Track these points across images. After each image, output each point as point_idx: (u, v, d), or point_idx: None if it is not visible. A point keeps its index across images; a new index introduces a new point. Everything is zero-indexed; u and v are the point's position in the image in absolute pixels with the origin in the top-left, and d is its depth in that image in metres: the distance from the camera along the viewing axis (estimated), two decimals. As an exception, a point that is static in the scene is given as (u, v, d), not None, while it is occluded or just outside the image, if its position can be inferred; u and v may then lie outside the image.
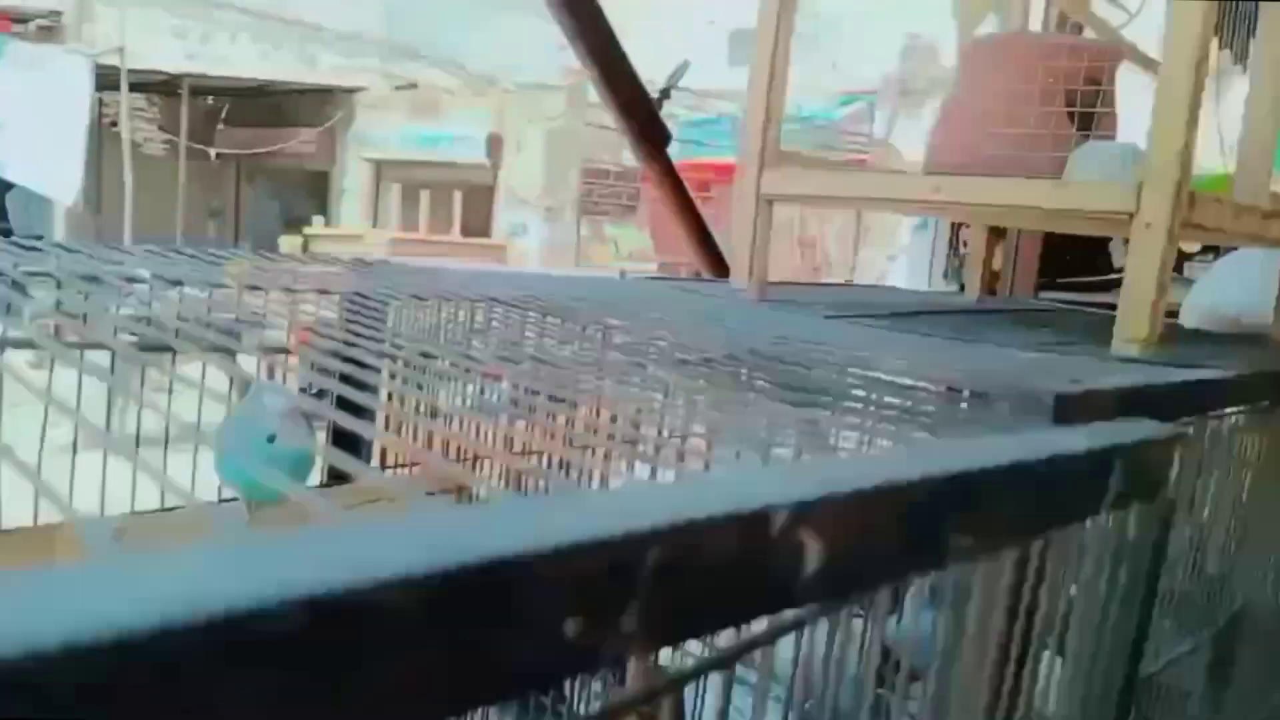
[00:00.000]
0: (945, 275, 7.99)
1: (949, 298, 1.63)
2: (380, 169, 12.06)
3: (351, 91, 11.67)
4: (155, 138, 10.27)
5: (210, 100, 11.21)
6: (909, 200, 0.83)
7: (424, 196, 11.53)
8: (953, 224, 8.74)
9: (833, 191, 0.87)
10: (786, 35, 0.78)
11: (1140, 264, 0.62)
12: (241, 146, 11.19)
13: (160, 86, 10.11)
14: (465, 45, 12.92)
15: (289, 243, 5.34)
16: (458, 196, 11.60)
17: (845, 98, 9.13)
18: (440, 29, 13.05)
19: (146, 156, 9.87)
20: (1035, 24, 1.18)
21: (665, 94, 2.20)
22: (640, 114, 1.91)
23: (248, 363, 0.79)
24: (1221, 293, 1.17)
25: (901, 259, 7.53)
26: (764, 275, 0.88)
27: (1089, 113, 0.85)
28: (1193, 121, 0.58)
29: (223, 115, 11.36)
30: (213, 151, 10.96)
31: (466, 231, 11.87)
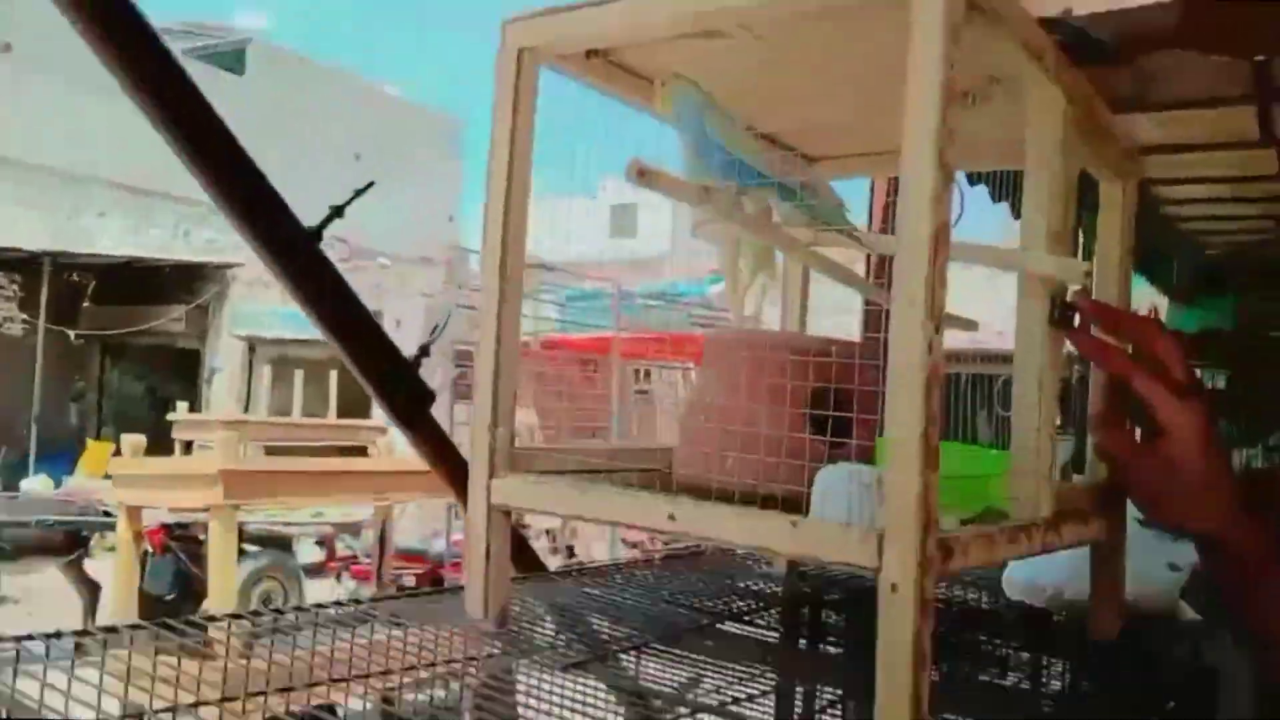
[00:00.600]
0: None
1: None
2: (254, 347, 12.14)
3: (225, 267, 11.86)
4: (15, 317, 10.17)
5: (75, 277, 11.20)
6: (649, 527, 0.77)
7: (298, 376, 11.64)
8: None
9: (572, 510, 0.80)
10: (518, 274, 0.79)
11: (887, 632, 0.54)
12: (108, 325, 11.17)
13: (21, 264, 10.12)
14: (349, 216, 13.38)
15: (132, 445, 5.33)
16: (333, 376, 11.77)
17: (713, 276, 9.92)
18: (318, 200, 13.49)
19: (5, 337, 9.76)
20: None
21: (425, 351, 2.10)
22: (397, 383, 1.86)
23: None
24: (1043, 564, 1.04)
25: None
26: (501, 599, 0.77)
27: (843, 418, 0.77)
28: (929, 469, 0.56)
29: (89, 293, 11.33)
30: (72, 333, 10.87)
31: (346, 413, 11.94)
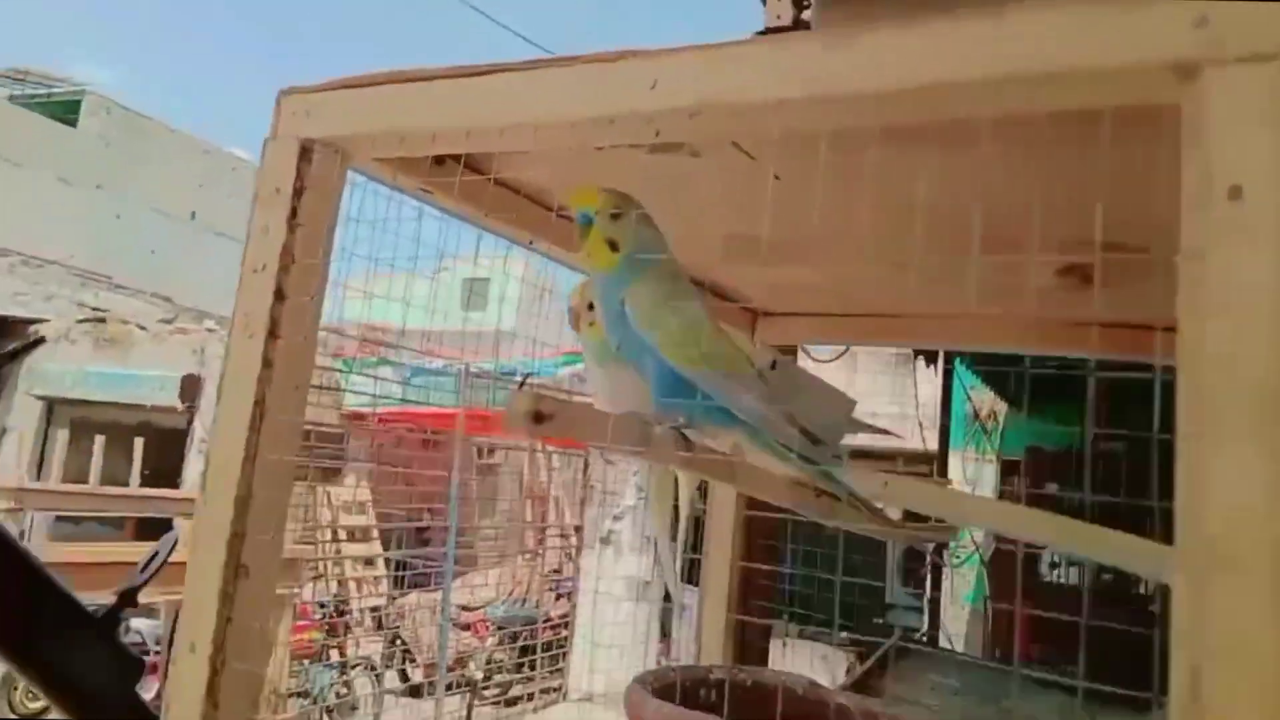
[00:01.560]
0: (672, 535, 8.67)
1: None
2: (52, 409, 11.59)
3: (29, 323, 11.38)
4: None
5: None
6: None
7: (99, 441, 11.20)
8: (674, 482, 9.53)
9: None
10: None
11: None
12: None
13: None
14: (177, 275, 13.12)
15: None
16: (139, 443, 11.38)
17: (567, 357, 10.17)
18: (146, 257, 13.21)
19: None
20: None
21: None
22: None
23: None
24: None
25: (627, 519, 8.29)
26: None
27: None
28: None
29: None
30: None
31: (153, 481, 11.49)
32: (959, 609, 7.57)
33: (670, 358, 0.97)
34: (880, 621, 7.97)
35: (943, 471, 6.11)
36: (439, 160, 1.22)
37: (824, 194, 1.04)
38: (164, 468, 11.95)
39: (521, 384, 1.01)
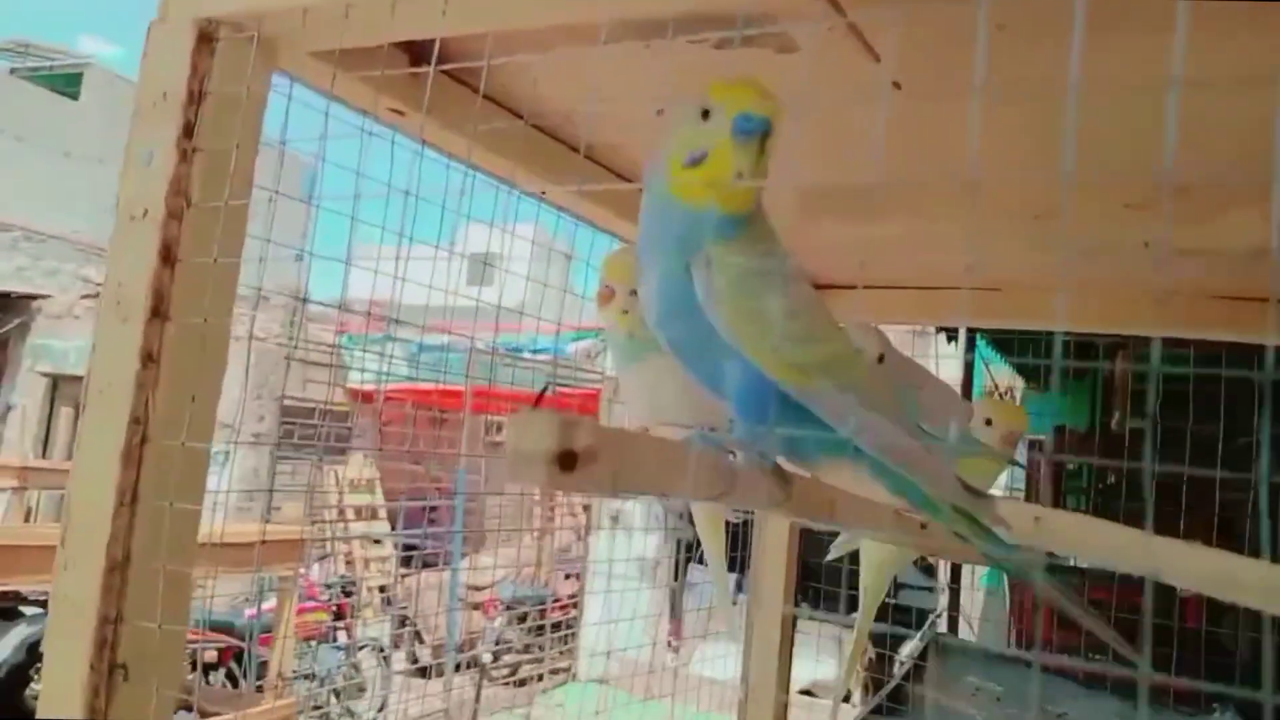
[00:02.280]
0: (681, 515, 8.47)
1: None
2: (57, 386, 11.30)
3: (30, 298, 11.05)
4: None
5: None
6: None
7: (109, 418, 10.88)
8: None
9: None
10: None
11: None
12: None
13: None
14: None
15: None
16: (148, 419, 11.04)
17: (576, 333, 9.83)
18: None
19: None
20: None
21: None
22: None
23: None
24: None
25: (636, 498, 7.96)
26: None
27: None
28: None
29: None
30: None
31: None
32: (976, 591, 7.26)
33: (766, 365, 0.58)
34: (892, 601, 7.69)
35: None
36: (413, 72, 0.82)
37: (957, 113, 0.68)
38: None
39: (540, 397, 0.64)
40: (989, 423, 1.17)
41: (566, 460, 0.48)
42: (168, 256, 0.70)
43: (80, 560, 0.68)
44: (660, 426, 1.13)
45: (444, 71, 0.88)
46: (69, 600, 0.69)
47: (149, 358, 0.70)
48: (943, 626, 6.08)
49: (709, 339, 0.61)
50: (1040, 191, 0.96)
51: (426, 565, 8.22)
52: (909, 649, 7.31)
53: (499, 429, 10.45)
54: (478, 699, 7.44)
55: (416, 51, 0.84)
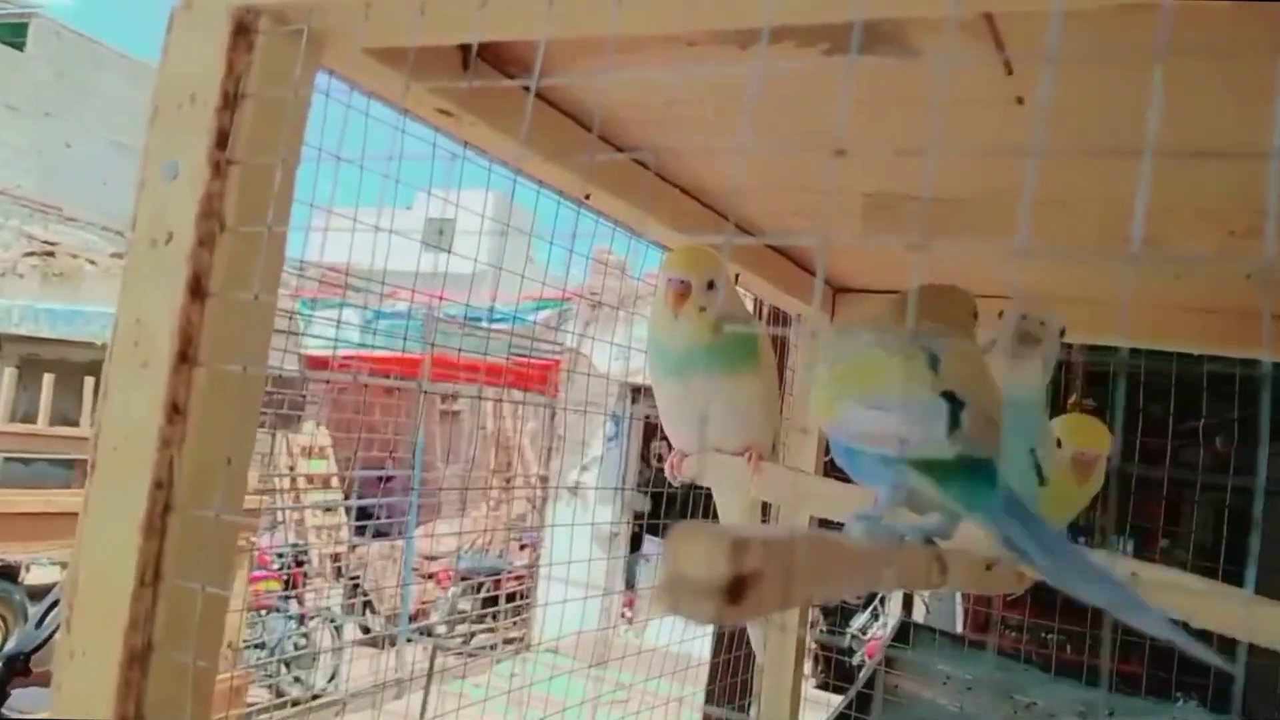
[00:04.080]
0: (638, 486, 8.39)
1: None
2: (0, 345, 10.89)
3: (-31, 255, 10.63)
4: None
5: None
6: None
7: (47, 380, 10.48)
8: (645, 436, 9.26)
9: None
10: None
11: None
12: None
13: None
14: (130, 208, 12.34)
15: None
16: (89, 382, 10.67)
17: (540, 303, 9.68)
18: (98, 188, 12.44)
19: None
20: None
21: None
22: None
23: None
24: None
25: (594, 469, 7.88)
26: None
27: None
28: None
29: None
30: None
31: (104, 422, 10.86)
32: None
33: (818, 413, 0.58)
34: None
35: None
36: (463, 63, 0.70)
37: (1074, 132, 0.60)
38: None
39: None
40: (1059, 444, 1.05)
41: (737, 590, 0.38)
42: (197, 290, 0.58)
43: (92, 650, 0.56)
44: (709, 450, 1.03)
45: (494, 69, 0.77)
46: (76, 697, 0.57)
47: (174, 410, 0.58)
48: (897, 606, 6.12)
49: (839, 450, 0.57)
50: (1147, 216, 0.87)
51: (380, 535, 8.08)
52: (859, 622, 7.38)
53: (455, 399, 10.28)
54: (431, 669, 7.35)
55: (466, 51, 0.72)
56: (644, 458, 8.70)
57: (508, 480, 9.27)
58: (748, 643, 3.50)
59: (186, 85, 0.57)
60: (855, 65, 0.66)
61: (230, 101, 0.57)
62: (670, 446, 1.09)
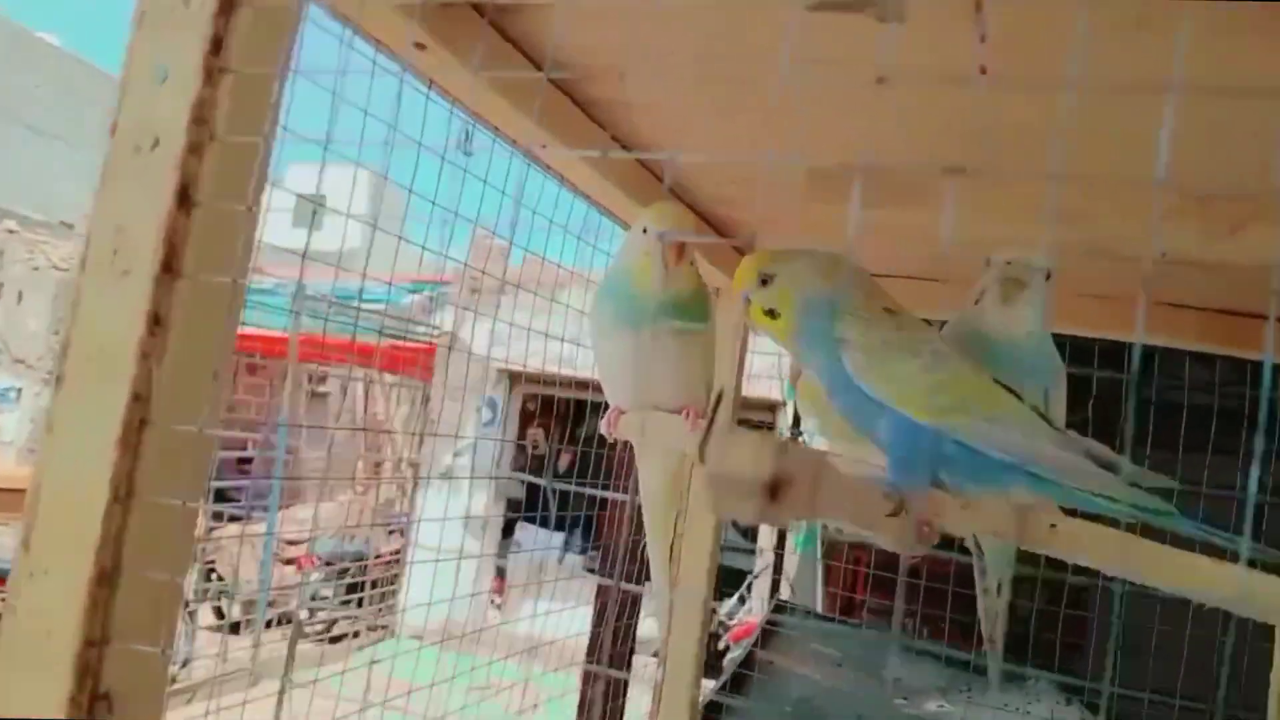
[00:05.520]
0: (513, 471, 8.31)
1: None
2: None
3: None
4: None
5: None
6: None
7: None
8: (521, 422, 9.17)
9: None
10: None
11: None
12: None
13: None
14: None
15: None
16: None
17: (413, 285, 9.48)
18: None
19: None
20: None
21: None
22: None
23: None
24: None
25: (468, 455, 7.79)
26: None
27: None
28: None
29: None
30: None
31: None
32: (792, 555, 7.54)
33: (911, 410, 0.67)
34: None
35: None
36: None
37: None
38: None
39: (711, 419, 0.57)
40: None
41: (776, 488, 0.41)
42: (184, 199, 0.56)
43: (56, 568, 0.54)
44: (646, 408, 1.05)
45: (473, 6, 0.76)
46: (38, 618, 0.55)
47: (155, 321, 0.56)
48: (765, 588, 6.28)
49: (864, 401, 0.71)
50: (1072, 194, 0.93)
51: (236, 518, 7.78)
52: (726, 608, 7.53)
53: (323, 379, 9.97)
54: (290, 655, 7.14)
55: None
56: (519, 444, 8.65)
57: (377, 464, 9.07)
58: (617, 634, 3.54)
59: (178, -14, 0.55)
60: (816, 22, 0.69)
61: (227, 6, 0.55)
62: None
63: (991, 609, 1.04)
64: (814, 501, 0.45)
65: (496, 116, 0.88)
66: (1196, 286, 1.08)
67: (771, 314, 0.85)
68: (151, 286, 0.55)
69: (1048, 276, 0.92)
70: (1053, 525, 0.96)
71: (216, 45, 0.55)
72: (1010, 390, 0.76)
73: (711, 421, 0.77)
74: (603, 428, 1.08)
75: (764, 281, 0.86)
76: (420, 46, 0.74)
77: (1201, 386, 2.39)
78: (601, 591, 3.80)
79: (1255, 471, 0.41)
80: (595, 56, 0.84)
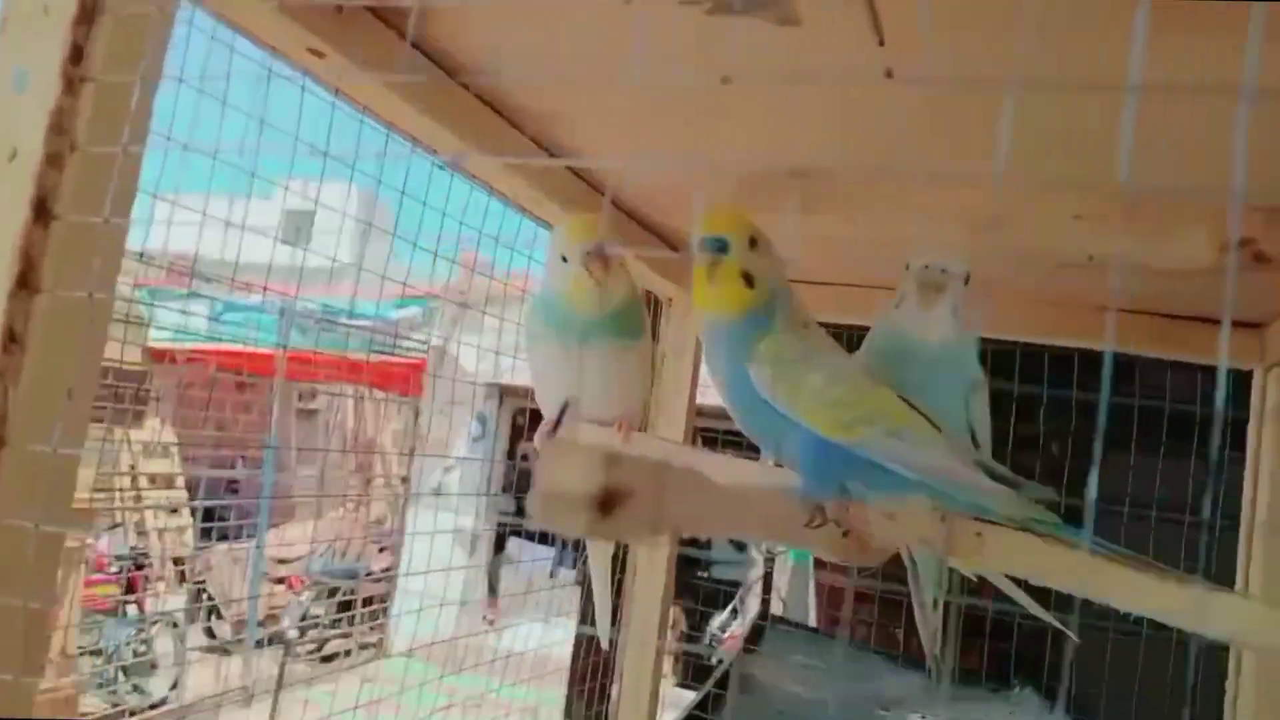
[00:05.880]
0: (505, 489, 8.27)
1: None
2: None
3: None
4: None
5: None
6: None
7: None
8: (510, 436, 9.15)
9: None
10: None
11: None
12: None
13: None
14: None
15: None
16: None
17: (400, 300, 9.46)
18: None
19: None
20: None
21: None
22: None
23: None
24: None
25: (458, 471, 7.76)
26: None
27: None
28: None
29: None
30: None
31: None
32: (784, 564, 7.52)
33: (818, 426, 0.66)
34: (705, 576, 7.92)
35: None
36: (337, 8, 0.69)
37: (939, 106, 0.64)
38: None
39: (557, 423, 0.54)
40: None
41: (608, 502, 0.39)
42: (42, 211, 0.54)
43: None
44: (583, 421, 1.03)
45: (370, 11, 0.75)
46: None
47: (10, 338, 0.54)
48: (757, 601, 6.25)
49: (770, 413, 0.70)
50: (987, 198, 0.92)
51: (225, 538, 7.73)
52: (718, 621, 7.49)
53: (312, 396, 9.94)
54: (281, 675, 7.08)
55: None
56: (510, 458, 8.62)
57: (367, 482, 9.04)
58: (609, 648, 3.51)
59: (37, -8, 0.54)
60: (731, 28, 0.68)
61: (87, 14, 0.54)
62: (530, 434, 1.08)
63: (929, 623, 1.02)
64: (661, 514, 0.43)
65: (408, 124, 0.87)
66: (1128, 289, 1.06)
67: (748, 280, 0.77)
68: (6, 302, 0.53)
69: (966, 280, 0.90)
70: (978, 534, 0.94)
71: (77, 53, 0.54)
72: (912, 405, 0.75)
73: (554, 431, 0.74)
74: (536, 441, 1.06)
75: (753, 243, 0.80)
76: (317, 54, 0.72)
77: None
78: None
79: (1094, 477, 0.40)
80: (503, 60, 0.83)
